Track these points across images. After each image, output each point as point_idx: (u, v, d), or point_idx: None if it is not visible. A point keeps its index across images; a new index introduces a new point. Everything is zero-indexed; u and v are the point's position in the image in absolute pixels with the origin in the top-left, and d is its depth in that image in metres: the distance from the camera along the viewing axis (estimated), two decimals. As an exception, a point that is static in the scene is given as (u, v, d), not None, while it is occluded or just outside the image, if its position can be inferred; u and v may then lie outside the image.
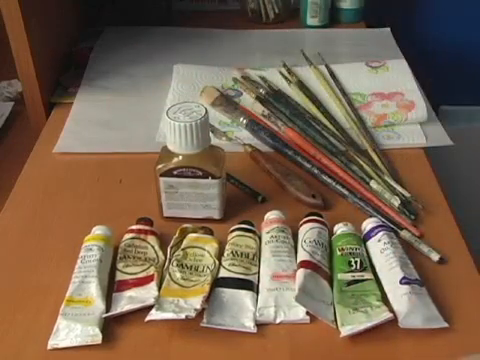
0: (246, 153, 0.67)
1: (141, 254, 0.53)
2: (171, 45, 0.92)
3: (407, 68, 0.80)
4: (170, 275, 0.51)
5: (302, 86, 0.78)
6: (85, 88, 0.80)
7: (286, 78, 0.79)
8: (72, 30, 0.92)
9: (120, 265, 0.52)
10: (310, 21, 0.98)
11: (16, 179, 0.65)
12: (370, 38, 0.95)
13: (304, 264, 0.51)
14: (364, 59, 0.82)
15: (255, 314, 0.48)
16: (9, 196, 0.63)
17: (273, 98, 0.75)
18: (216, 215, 0.58)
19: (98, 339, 0.46)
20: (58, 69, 0.83)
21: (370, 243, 0.54)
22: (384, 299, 0.49)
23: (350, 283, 0.50)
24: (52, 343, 0.47)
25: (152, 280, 0.51)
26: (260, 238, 0.55)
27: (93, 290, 0.49)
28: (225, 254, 0.53)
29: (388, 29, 0.96)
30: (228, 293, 0.50)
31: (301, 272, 0.50)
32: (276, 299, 0.49)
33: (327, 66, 0.81)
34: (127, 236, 0.55)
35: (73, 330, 0.47)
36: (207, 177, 0.55)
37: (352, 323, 0.47)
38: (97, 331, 0.47)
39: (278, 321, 0.48)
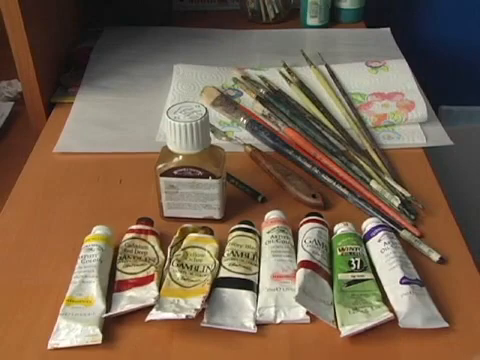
0: (246, 153, 0.67)
1: (141, 254, 0.53)
2: (171, 45, 0.92)
3: (407, 68, 0.80)
4: (170, 275, 0.51)
5: (302, 86, 0.78)
6: (85, 88, 0.80)
7: (286, 78, 0.79)
8: (72, 30, 0.92)
9: (120, 265, 0.52)
10: (310, 21, 0.98)
11: (16, 179, 0.65)
12: (370, 38, 0.95)
13: (304, 264, 0.51)
14: (364, 59, 0.82)
15: (255, 314, 0.48)
16: (9, 196, 0.63)
17: (273, 98, 0.75)
18: (216, 215, 0.58)
19: (98, 339, 0.46)
20: (58, 69, 0.83)
21: (370, 243, 0.54)
22: (384, 299, 0.49)
23: (350, 283, 0.50)
24: (52, 343, 0.47)
25: (152, 280, 0.51)
26: (260, 238, 0.55)
27: (93, 290, 0.49)
28: (225, 254, 0.53)
29: (388, 29, 0.96)
30: (228, 293, 0.50)
31: (301, 272, 0.50)
32: (276, 299, 0.49)
33: (327, 66, 0.81)
34: (127, 236, 0.55)
35: (73, 330, 0.47)
36: (207, 177, 0.55)
37: (352, 323, 0.47)
38: (97, 331, 0.47)
39: (278, 321, 0.48)
